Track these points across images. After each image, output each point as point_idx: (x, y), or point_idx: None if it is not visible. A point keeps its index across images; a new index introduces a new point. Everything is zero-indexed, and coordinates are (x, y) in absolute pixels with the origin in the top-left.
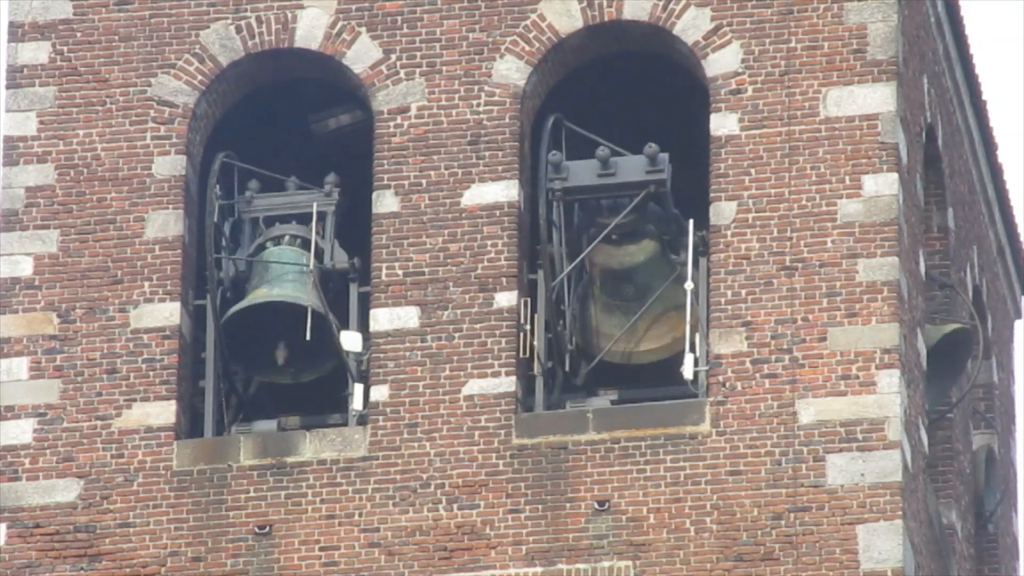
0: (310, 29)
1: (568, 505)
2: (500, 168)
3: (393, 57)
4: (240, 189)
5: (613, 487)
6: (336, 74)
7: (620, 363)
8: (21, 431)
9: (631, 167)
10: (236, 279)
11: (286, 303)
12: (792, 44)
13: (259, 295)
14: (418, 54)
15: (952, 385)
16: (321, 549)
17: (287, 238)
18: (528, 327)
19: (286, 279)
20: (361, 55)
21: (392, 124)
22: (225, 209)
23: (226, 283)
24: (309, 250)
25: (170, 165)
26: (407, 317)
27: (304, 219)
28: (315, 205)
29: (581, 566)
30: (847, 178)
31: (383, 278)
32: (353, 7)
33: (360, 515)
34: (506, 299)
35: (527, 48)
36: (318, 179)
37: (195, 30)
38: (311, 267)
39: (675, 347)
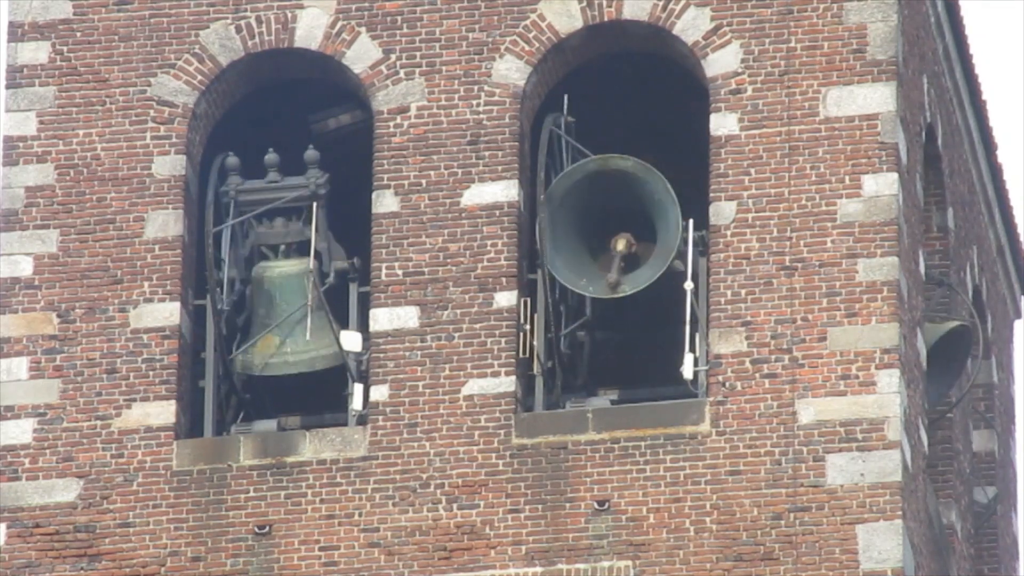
0: (310, 29)
1: (568, 505)
2: (500, 168)
3: (393, 57)
4: (238, 192)
5: (613, 487)
6: (336, 74)
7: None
8: (21, 431)
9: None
10: (237, 289)
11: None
12: (792, 44)
13: (270, 349)
14: (418, 54)
15: (953, 383)
16: (321, 549)
17: (282, 248)
18: (528, 327)
19: (296, 324)
20: (361, 55)
21: (392, 124)
22: (219, 210)
23: (226, 287)
24: (307, 255)
25: (170, 165)
26: (407, 317)
27: (294, 212)
28: (314, 205)
29: (581, 566)
30: (847, 178)
31: (383, 278)
32: (353, 7)
33: (360, 515)
34: (506, 299)
35: (527, 48)
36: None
37: (195, 30)
38: (311, 267)
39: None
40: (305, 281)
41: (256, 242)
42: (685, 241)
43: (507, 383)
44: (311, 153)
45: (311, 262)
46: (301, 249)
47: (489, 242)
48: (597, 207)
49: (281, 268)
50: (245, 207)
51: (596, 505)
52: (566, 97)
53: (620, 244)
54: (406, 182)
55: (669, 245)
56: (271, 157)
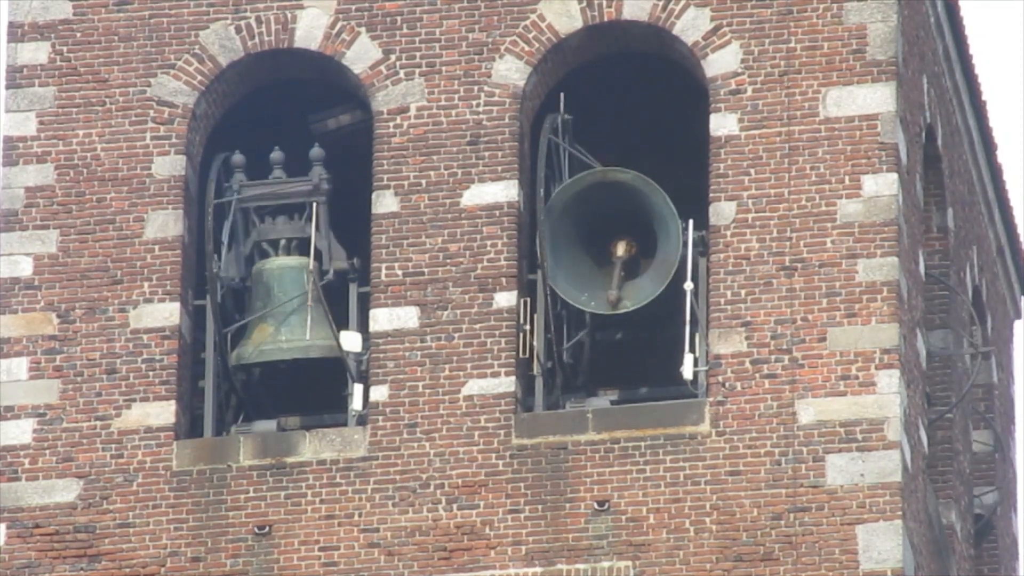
0: (310, 29)
1: (568, 505)
2: (500, 168)
3: (393, 57)
4: (241, 189)
5: (613, 487)
6: (336, 74)
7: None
8: (21, 431)
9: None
10: (236, 287)
11: (296, 358)
12: (792, 44)
13: (266, 338)
14: (418, 54)
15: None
16: (321, 549)
17: (283, 243)
18: (528, 327)
19: (292, 314)
20: (361, 55)
21: (392, 124)
22: (221, 208)
23: (225, 285)
24: (307, 253)
25: (170, 165)
26: (407, 317)
27: (296, 211)
28: (314, 204)
29: (581, 566)
30: (847, 178)
31: (383, 278)
32: (353, 7)
33: (360, 515)
34: (506, 299)
35: (527, 48)
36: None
37: (195, 30)
38: (311, 266)
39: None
40: (304, 275)
41: (257, 238)
42: (685, 244)
43: (507, 383)
44: (316, 151)
45: (311, 260)
46: (301, 247)
47: (489, 242)
48: (598, 216)
49: (280, 261)
50: (248, 201)
51: (596, 505)
52: (562, 96)
53: (620, 249)
54: (406, 182)
55: (670, 258)
56: (276, 155)
